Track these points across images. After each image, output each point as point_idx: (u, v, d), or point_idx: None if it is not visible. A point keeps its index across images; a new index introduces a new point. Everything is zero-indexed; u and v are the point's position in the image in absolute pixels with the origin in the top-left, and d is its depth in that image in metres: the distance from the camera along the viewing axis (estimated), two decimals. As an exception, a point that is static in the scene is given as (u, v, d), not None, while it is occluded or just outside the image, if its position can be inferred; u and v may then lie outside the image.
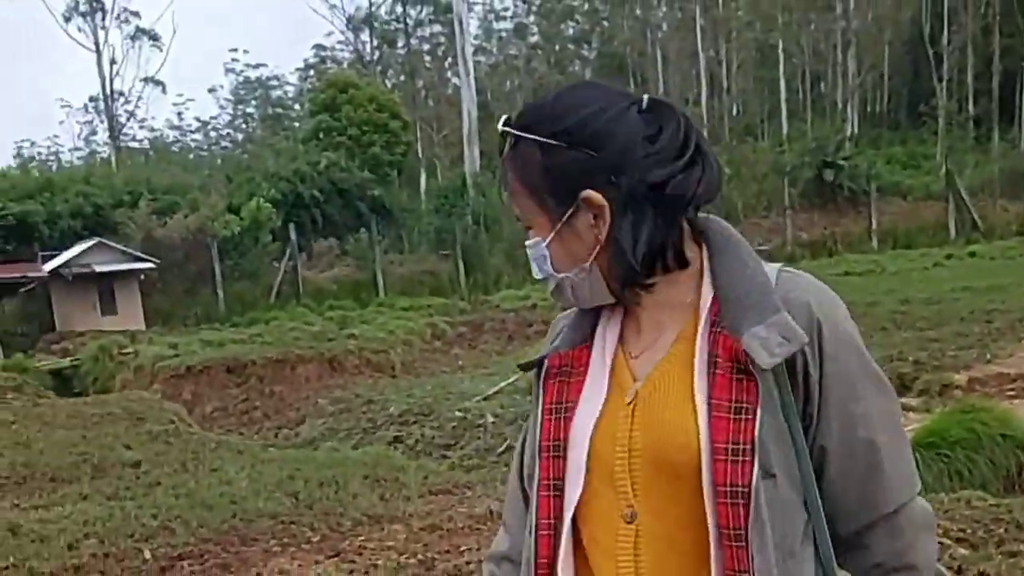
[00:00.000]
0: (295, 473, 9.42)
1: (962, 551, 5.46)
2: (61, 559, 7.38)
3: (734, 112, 62.50)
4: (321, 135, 42.38)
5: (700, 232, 1.76)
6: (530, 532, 1.82)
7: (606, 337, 1.82)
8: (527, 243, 1.80)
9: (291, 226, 32.96)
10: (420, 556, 6.66)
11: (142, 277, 31.11)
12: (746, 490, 1.59)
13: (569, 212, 1.71)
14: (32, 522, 8.40)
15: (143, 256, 30.82)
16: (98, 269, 29.57)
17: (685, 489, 1.64)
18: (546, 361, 1.85)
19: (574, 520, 1.75)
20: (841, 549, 1.71)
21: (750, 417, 1.60)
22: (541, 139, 1.70)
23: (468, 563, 6.37)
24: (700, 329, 1.69)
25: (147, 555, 7.37)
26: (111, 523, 8.20)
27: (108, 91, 60.04)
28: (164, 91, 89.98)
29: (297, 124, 71.76)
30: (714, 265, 1.73)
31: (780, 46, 57.13)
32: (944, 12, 50.91)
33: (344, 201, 36.59)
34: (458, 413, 13.54)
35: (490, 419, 12.90)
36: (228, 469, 10.06)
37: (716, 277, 1.71)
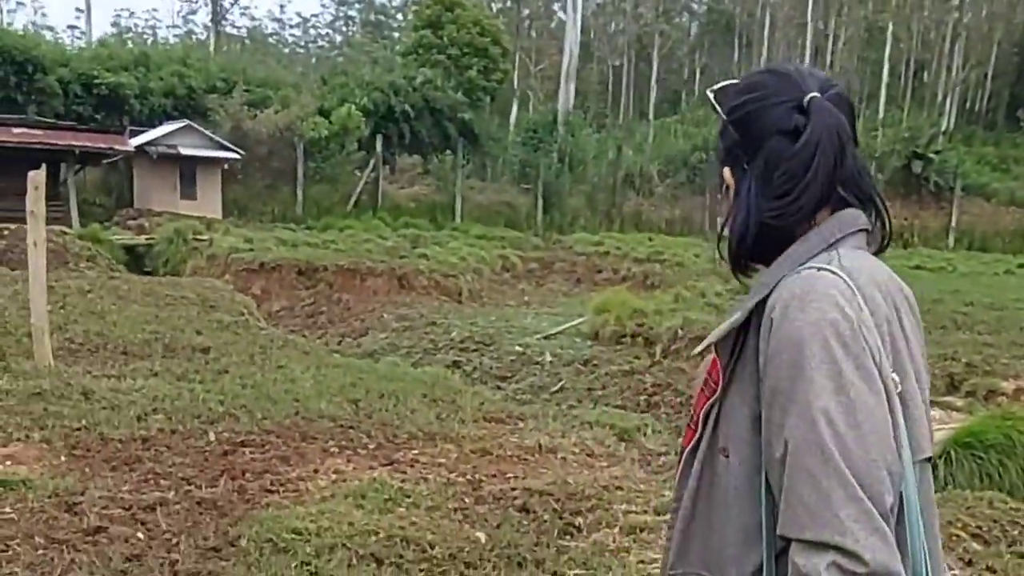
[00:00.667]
0: (357, 381, 9.77)
1: (975, 546, 5.71)
2: (131, 428, 7.80)
3: (835, 88, 61.43)
4: (420, 51, 42.39)
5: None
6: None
7: None
8: None
9: (378, 138, 33.22)
10: (468, 476, 6.99)
11: (226, 166, 31.57)
12: (682, 451, 1.90)
13: (721, 180, 1.93)
14: (104, 390, 8.80)
15: (229, 146, 31.21)
16: (183, 152, 30.03)
17: None
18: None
19: None
20: None
21: (707, 394, 1.84)
22: (720, 111, 1.91)
23: (513, 489, 6.69)
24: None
25: (212, 437, 7.78)
26: (179, 402, 8.63)
27: (214, -29, 60.38)
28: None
29: (397, 35, 71.77)
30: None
31: (889, 28, 55.95)
32: (1057, 20, 49.66)
33: (434, 120, 36.77)
34: (518, 347, 13.86)
35: (548, 358, 13.21)
36: (294, 368, 10.45)
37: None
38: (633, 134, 42.37)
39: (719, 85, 1.94)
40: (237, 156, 31.08)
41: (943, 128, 46.68)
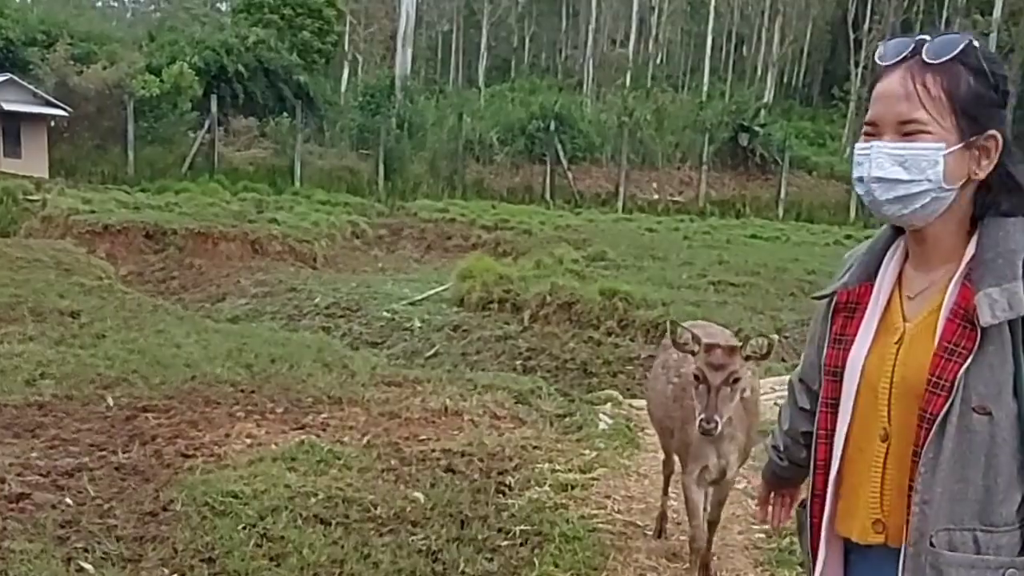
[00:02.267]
0: (243, 346, 9.71)
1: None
2: (23, 394, 7.64)
3: (659, 60, 62.85)
4: (252, 10, 41.60)
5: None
6: (815, 439, 2.27)
7: (885, 277, 2.16)
8: (899, 145, 2.00)
9: (212, 98, 32.48)
10: (384, 439, 7.09)
11: (52, 124, 30.37)
12: (933, 417, 1.96)
13: (974, 139, 1.99)
14: (-19, 356, 8.57)
15: (55, 102, 30.00)
16: (6, 107, 28.69)
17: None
18: (835, 296, 2.22)
19: (847, 434, 2.17)
20: None
21: (959, 360, 1.93)
22: (989, 72, 2.00)
23: (433, 451, 6.83)
24: (954, 281, 2.01)
25: (110, 402, 7.66)
26: (65, 367, 8.46)
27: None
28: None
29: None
30: (985, 226, 2.03)
31: (712, 3, 57.54)
32: (869, 0, 51.83)
33: (268, 82, 36.15)
34: (385, 313, 13.92)
35: (418, 323, 13.33)
36: (174, 332, 10.30)
37: (982, 237, 2.02)
38: (468, 101, 42.44)
39: (947, 44, 2.01)
40: (64, 113, 29.95)
41: (764, 101, 48.25)
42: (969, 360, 1.93)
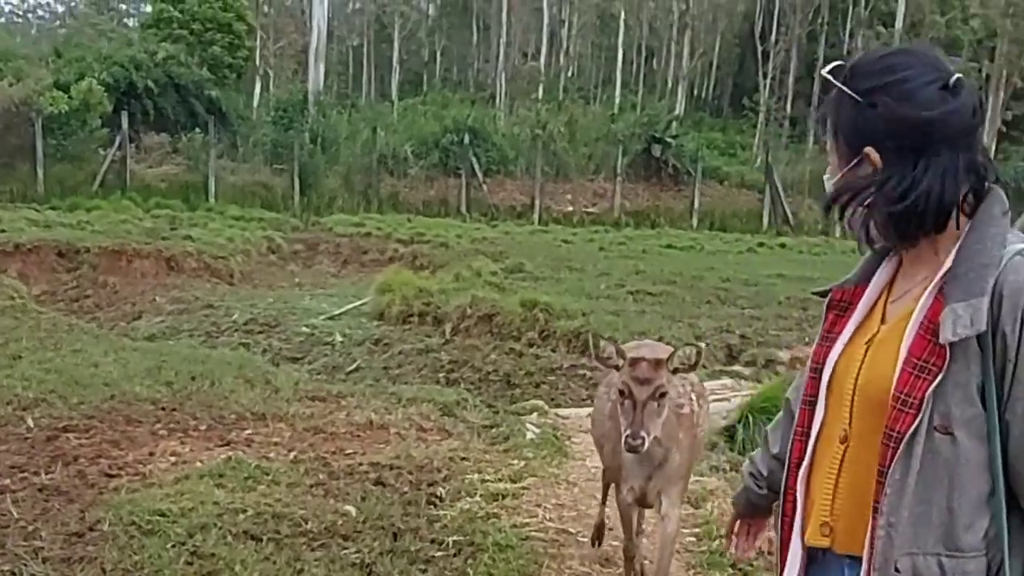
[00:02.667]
0: (162, 364, 9.54)
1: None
2: (-65, 415, 7.47)
3: (570, 73, 63.25)
4: (161, 25, 41.02)
5: (980, 200, 2.01)
6: (792, 437, 2.26)
7: (879, 279, 2.16)
8: (825, 174, 2.13)
9: (123, 114, 31.97)
10: (311, 454, 7.05)
11: (-45, 142, 29.71)
12: (900, 436, 1.92)
13: (855, 161, 2.01)
14: None
15: (-40, 120, 29.37)
16: (-89, 126, 27.99)
17: (881, 426, 1.97)
18: (831, 293, 2.24)
19: (818, 433, 2.17)
20: None
21: (928, 377, 1.89)
22: (851, 92, 2.00)
23: (361, 464, 6.81)
24: (927, 292, 1.98)
25: (29, 423, 7.51)
26: (-20, 389, 8.28)
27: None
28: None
29: (124, 6, 68.99)
30: (964, 237, 1.97)
31: (621, 16, 58.05)
32: (775, 12, 52.67)
33: (179, 97, 35.65)
34: (305, 328, 13.83)
35: (338, 338, 13.25)
36: (91, 352, 10.11)
37: (960, 249, 1.96)
38: (382, 115, 42.33)
39: (834, 65, 2.07)
40: (-32, 131, 29.27)
41: (676, 113, 48.81)
42: (938, 379, 1.90)
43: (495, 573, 5.18)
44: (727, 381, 10.20)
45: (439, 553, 5.39)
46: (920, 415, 1.90)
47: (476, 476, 6.65)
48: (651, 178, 37.83)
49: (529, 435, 7.82)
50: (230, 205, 28.41)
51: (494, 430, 7.97)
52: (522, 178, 35.87)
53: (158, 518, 5.51)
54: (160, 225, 22.04)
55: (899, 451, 1.92)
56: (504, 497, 6.26)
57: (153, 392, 8.43)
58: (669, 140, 37.92)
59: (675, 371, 4.18)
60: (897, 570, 1.94)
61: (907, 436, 1.91)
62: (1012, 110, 45.64)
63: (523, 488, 6.48)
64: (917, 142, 1.94)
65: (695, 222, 34.12)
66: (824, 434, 2.14)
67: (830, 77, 2.04)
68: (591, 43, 65.14)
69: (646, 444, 3.97)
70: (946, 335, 1.87)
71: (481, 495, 6.24)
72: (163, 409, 8.01)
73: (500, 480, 6.59)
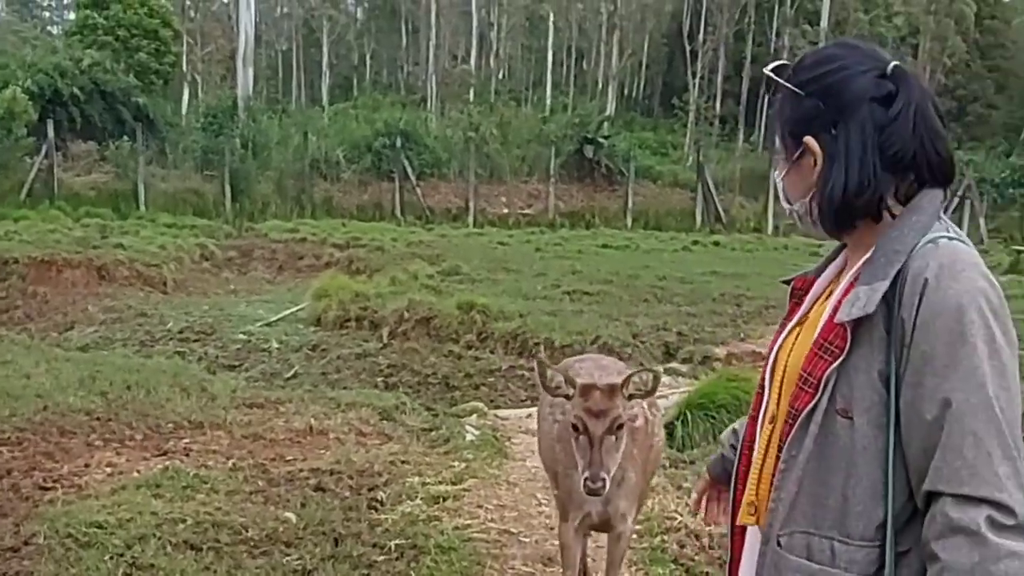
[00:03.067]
0: (96, 374, 9.41)
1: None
2: None
3: (501, 75, 63.33)
4: (86, 31, 40.39)
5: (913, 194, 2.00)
6: (748, 419, 2.27)
7: (830, 269, 2.19)
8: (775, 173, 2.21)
9: (48, 122, 31.45)
10: (250, 461, 7.00)
11: None
12: (797, 414, 1.94)
13: (798, 153, 2.05)
14: None
15: None
16: None
17: None
18: (794, 281, 2.27)
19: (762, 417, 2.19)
20: None
21: (829, 359, 1.90)
22: (789, 86, 2.05)
23: (301, 470, 6.77)
24: (847, 276, 2.03)
25: (-40, 438, 7.39)
26: (-94, 403, 8.11)
27: None
28: None
29: (47, 14, 68.04)
30: (889, 227, 1.97)
31: (550, 18, 58.23)
32: (703, 12, 53.14)
33: (106, 104, 35.07)
34: (241, 335, 13.70)
35: (275, 344, 13.15)
36: (22, 363, 9.93)
37: (881, 236, 1.97)
38: (313, 120, 42.06)
39: (776, 64, 2.12)
40: None
41: (607, 114, 49.07)
42: (839, 360, 1.90)
43: (438, 575, 5.18)
44: (665, 379, 10.26)
45: (381, 557, 5.38)
46: (818, 395, 1.91)
47: (417, 479, 6.64)
48: (584, 179, 37.99)
49: (469, 437, 7.83)
50: (161, 213, 28.04)
51: (434, 433, 7.96)
52: (456, 181, 35.85)
53: (95, 530, 5.44)
54: (90, 234, 21.68)
55: (795, 428, 1.95)
56: (445, 499, 6.27)
57: (87, 403, 8.31)
58: (601, 140, 38.07)
59: (630, 397, 3.83)
60: (779, 544, 1.97)
61: (803, 414, 1.93)
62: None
63: (464, 490, 6.48)
64: (852, 131, 1.97)
65: (629, 221, 34.31)
66: (766, 417, 2.16)
67: (771, 74, 2.09)
68: (521, 45, 65.33)
69: (607, 486, 3.60)
70: (840, 316, 1.90)
71: (422, 498, 6.24)
72: (98, 420, 7.91)
73: (441, 482, 6.59)
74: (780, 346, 2.16)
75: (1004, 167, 38.19)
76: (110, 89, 35.30)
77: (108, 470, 6.78)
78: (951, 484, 1.76)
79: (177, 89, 46.12)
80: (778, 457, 2.01)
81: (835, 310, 1.95)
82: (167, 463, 6.70)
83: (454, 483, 6.58)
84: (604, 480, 3.56)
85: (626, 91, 60.25)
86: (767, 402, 2.15)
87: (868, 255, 1.97)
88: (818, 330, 1.99)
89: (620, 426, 3.72)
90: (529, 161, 38.42)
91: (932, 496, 1.80)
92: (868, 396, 1.88)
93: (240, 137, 33.89)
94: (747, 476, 2.20)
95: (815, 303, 2.15)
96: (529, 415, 9.09)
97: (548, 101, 54.66)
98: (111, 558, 5.15)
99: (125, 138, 32.52)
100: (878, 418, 1.87)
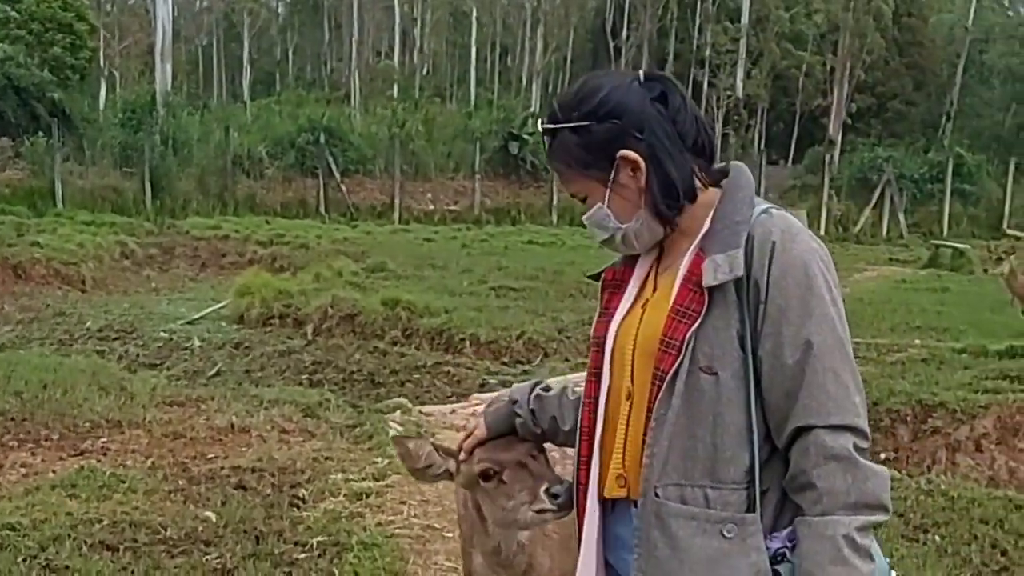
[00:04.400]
0: (11, 373, 9.17)
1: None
2: None
3: (425, 71, 63.18)
4: (-3, 26, 39.52)
5: (724, 175, 2.27)
6: (582, 407, 2.36)
7: (646, 257, 2.34)
8: (585, 215, 2.30)
9: (-41, 119, 30.76)
10: (170, 460, 6.88)
11: None
12: (663, 375, 2.10)
13: (613, 172, 2.21)
14: None
15: None
16: None
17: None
18: (604, 274, 2.42)
19: (606, 400, 2.30)
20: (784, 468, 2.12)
21: (688, 322, 2.08)
22: (573, 124, 2.21)
23: (222, 468, 6.67)
24: (689, 250, 2.18)
25: None
26: None
27: None
28: None
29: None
30: (719, 203, 2.21)
31: (474, 13, 58.20)
32: (626, 9, 53.48)
33: (20, 100, 34.21)
34: (163, 333, 13.51)
35: (197, 342, 12.97)
36: (-70, 363, 9.69)
37: (715, 212, 2.20)
38: (235, 116, 41.55)
39: (550, 119, 2.27)
40: None
41: (532, 110, 49.18)
42: (698, 323, 2.07)
43: (361, 572, 5.13)
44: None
45: (303, 555, 5.32)
46: (681, 355, 2.07)
47: (340, 476, 6.58)
48: (510, 175, 38.00)
49: (392, 433, 7.75)
50: (79, 210, 27.41)
51: (358, 429, 7.90)
52: (381, 177, 35.62)
53: (8, 532, 5.32)
54: (5, 232, 21.15)
55: (662, 388, 2.09)
56: (368, 496, 6.21)
57: (2, 403, 8.09)
58: (526, 137, 38.02)
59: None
60: (657, 495, 2.10)
61: (670, 374, 2.08)
62: (856, 102, 47.24)
63: (387, 486, 6.42)
64: (654, 129, 2.18)
65: (555, 218, 34.27)
66: (612, 399, 2.27)
67: (552, 125, 2.25)
68: (445, 40, 65.19)
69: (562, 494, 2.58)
70: (707, 281, 2.06)
71: (345, 495, 6.18)
72: (12, 420, 7.72)
73: (364, 479, 6.53)
74: (620, 328, 2.27)
75: (923, 163, 38.76)
76: (24, 84, 34.46)
77: (23, 471, 6.64)
78: (821, 416, 2.01)
79: (94, 84, 45.27)
80: (648, 418, 2.13)
81: (687, 280, 2.13)
82: (83, 463, 6.56)
83: (377, 479, 6.53)
84: (562, 488, 2.54)
85: (551, 87, 60.29)
86: (612, 381, 2.27)
87: (705, 228, 2.18)
88: (672, 299, 2.14)
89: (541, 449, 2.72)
90: (455, 158, 38.33)
91: (801, 431, 2.03)
92: (729, 352, 2.07)
93: (160, 133, 33.32)
94: (590, 460, 2.31)
95: (644, 288, 2.30)
96: (454, 411, 9.08)
97: (473, 97, 54.55)
98: (24, 560, 5.04)
99: (40, 134, 31.80)
100: (739, 371, 2.07)
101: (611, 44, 52.60)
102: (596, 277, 2.45)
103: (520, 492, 2.63)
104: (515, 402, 2.60)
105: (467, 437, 2.68)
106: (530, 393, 2.59)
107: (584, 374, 2.38)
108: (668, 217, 2.21)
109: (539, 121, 2.30)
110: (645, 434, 2.14)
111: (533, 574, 3.15)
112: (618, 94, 2.19)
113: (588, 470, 2.32)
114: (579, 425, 2.37)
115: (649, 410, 2.13)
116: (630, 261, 2.36)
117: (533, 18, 58.31)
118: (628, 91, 2.20)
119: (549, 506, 2.57)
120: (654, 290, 2.27)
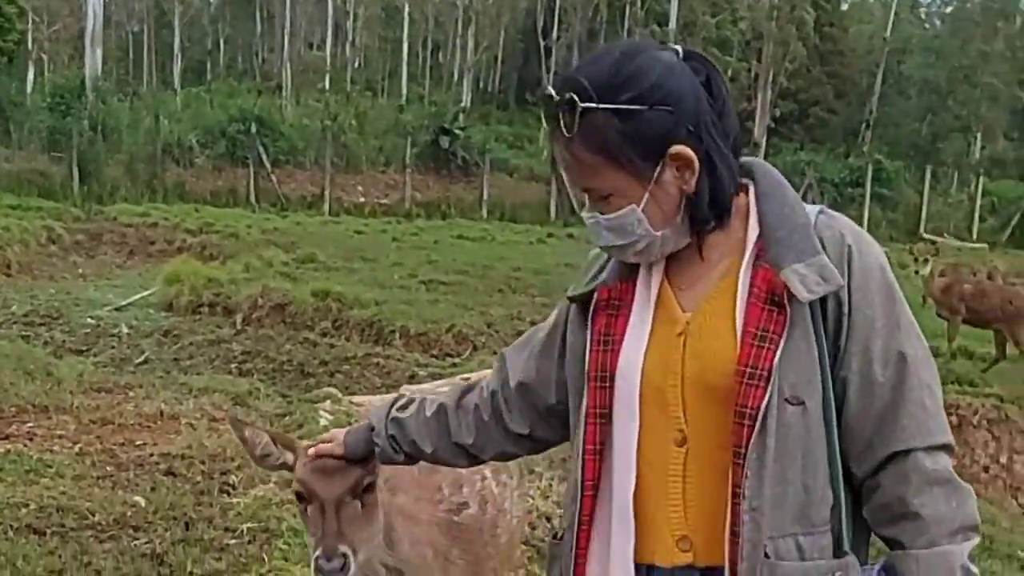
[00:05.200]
0: (-69, 356, 9.11)
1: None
2: None
3: (357, 65, 62.91)
4: (-77, 6, 38.75)
5: (747, 173, 1.94)
6: (577, 455, 1.99)
7: (652, 272, 1.97)
8: (593, 215, 1.92)
9: None
10: (98, 446, 6.87)
11: None
12: (755, 412, 1.78)
13: (658, 171, 1.83)
14: None
15: None
16: None
17: (726, 412, 1.82)
18: (596, 293, 2.00)
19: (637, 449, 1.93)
20: (862, 493, 1.89)
21: (772, 347, 1.78)
22: (620, 107, 1.79)
23: (151, 455, 6.67)
24: (745, 263, 1.86)
25: None
26: None
27: None
28: None
29: None
30: (761, 205, 1.89)
31: (406, 9, 58.13)
32: (556, 9, 53.71)
33: (-56, 83, 33.77)
34: (89, 320, 13.39)
35: (125, 329, 12.89)
36: None
37: (763, 216, 1.87)
38: (165, 103, 41.04)
39: (581, 95, 1.81)
40: None
41: (462, 106, 49.15)
42: (781, 346, 1.79)
43: (291, 558, 5.17)
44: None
45: (233, 540, 5.35)
46: (770, 387, 1.78)
47: (271, 463, 6.59)
48: (441, 169, 37.96)
49: (323, 422, 7.78)
50: (5, 193, 26.91)
51: (287, 418, 7.91)
52: (312, 169, 35.46)
53: (-69, 517, 5.29)
54: (-73, 216, 20.84)
55: (755, 428, 1.79)
56: (298, 483, 6.23)
57: (-78, 388, 8.02)
58: (457, 132, 38.11)
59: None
60: (767, 555, 1.80)
61: (762, 410, 1.78)
62: (779, 108, 47.97)
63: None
64: (709, 124, 1.84)
65: (485, 213, 34.38)
66: (648, 444, 1.93)
67: (589, 104, 1.80)
68: (377, 35, 65.00)
69: (351, 569, 2.36)
70: (802, 295, 1.78)
71: (275, 481, 6.19)
72: (-65, 405, 7.64)
73: (294, 466, 6.55)
74: (648, 361, 1.93)
75: (843, 168, 39.72)
76: (-52, 67, 33.92)
77: (-54, 456, 6.57)
78: (922, 437, 1.82)
79: (21, 68, 44.51)
80: (738, 465, 1.82)
81: (757, 297, 1.83)
82: (9, 447, 6.52)
83: (308, 467, 6.55)
84: (345, 558, 2.34)
85: (482, 84, 60.53)
86: (644, 428, 1.93)
87: (755, 236, 1.88)
88: (740, 322, 1.83)
89: (369, 487, 2.46)
90: (386, 151, 38.25)
91: (896, 456, 1.82)
92: (814, 377, 1.82)
93: (89, 119, 32.84)
94: (592, 520, 2.01)
95: (664, 310, 1.96)
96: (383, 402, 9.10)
97: (404, 92, 54.48)
98: (-52, 545, 5.01)
99: (-35, 118, 31.29)
100: (822, 397, 1.83)
101: (542, 44, 52.71)
102: (583, 297, 2.04)
103: (310, 537, 2.48)
104: (372, 428, 2.36)
105: (322, 445, 2.44)
106: (387, 418, 2.34)
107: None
108: (708, 228, 1.90)
109: (559, 95, 1.82)
110: (736, 484, 1.82)
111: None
112: (671, 77, 1.81)
113: (590, 533, 2.01)
114: (581, 478, 1.99)
115: (738, 455, 1.81)
116: (628, 277, 2.00)
117: (465, 16, 58.42)
118: (680, 74, 1.83)
119: (313, 571, 2.38)
120: (683, 310, 1.92)
